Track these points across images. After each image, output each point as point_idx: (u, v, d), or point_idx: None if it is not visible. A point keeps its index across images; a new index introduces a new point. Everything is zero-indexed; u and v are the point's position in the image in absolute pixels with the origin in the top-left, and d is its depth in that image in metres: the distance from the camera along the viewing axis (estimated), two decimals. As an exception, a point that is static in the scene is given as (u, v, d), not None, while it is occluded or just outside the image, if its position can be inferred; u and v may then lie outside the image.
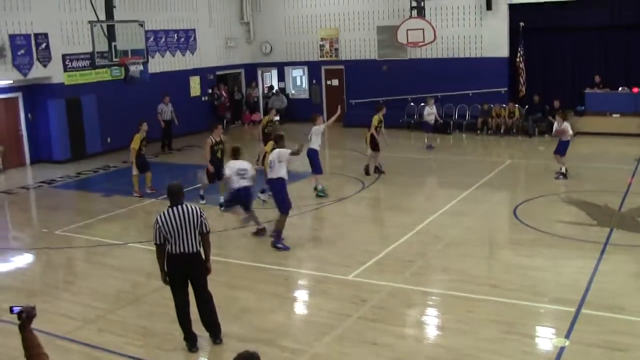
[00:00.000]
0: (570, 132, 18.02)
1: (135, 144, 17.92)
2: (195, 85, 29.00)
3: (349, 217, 15.86)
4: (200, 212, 8.90)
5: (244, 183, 13.61)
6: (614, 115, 24.04)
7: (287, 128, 24.46)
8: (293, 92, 32.02)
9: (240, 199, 13.76)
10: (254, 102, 31.83)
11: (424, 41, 25.26)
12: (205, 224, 8.86)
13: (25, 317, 5.09)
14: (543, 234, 13.37)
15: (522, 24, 25.28)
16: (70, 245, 14.42)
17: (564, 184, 17.44)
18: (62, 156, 23.52)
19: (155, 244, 8.82)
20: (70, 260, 13.70)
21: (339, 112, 18.75)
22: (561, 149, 17.93)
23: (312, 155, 17.09)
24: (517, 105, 25.31)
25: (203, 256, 8.99)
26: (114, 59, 21.48)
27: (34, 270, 13.39)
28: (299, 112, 28.96)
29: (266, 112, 30.23)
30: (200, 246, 8.87)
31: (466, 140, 25.31)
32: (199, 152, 19.96)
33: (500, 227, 14.63)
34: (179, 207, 8.78)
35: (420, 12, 25.89)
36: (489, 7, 25.75)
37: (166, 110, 25.26)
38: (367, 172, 19.17)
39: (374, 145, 18.96)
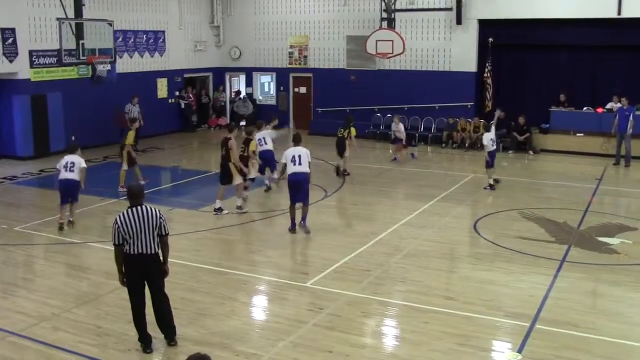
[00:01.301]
0: (484, 143, 18.72)
1: (130, 140, 18.25)
2: (162, 87, 28.87)
3: (309, 224, 15.88)
4: (160, 214, 8.90)
5: (68, 175, 14.77)
6: (578, 135, 24.32)
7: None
8: (261, 98, 31.98)
9: (60, 189, 14.94)
10: (221, 106, 31.76)
11: (392, 52, 25.36)
12: (164, 225, 8.86)
13: None
14: (501, 249, 13.51)
15: (491, 39, 25.50)
16: (30, 242, 14.30)
17: (524, 200, 17.61)
18: (25, 152, 23.29)
19: (114, 244, 8.78)
20: (29, 258, 13.57)
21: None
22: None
23: (270, 156, 18.02)
24: (482, 120, 25.53)
25: (161, 258, 8.98)
26: (82, 57, 21.35)
27: (-10, 266, 13.23)
28: (266, 118, 28.70)
29: (233, 117, 30.35)
30: (158, 248, 8.87)
31: (431, 153, 25.47)
32: (165, 154, 19.94)
33: (459, 241, 14.72)
34: (139, 208, 8.78)
35: (391, 23, 26.01)
36: (459, 21, 26.01)
37: (133, 111, 25.14)
38: (342, 173, 20.34)
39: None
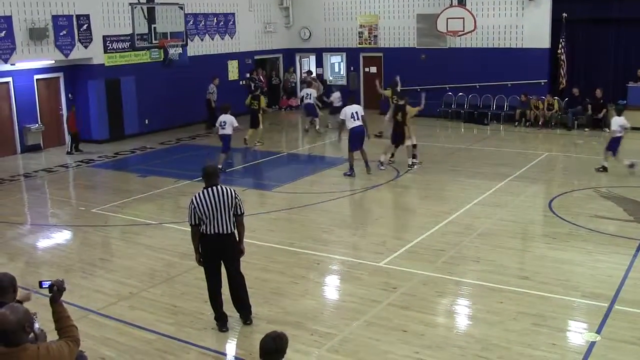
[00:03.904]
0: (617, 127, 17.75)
1: (263, 104, 22.78)
2: (233, 69, 29.08)
3: (382, 204, 15.89)
4: (235, 193, 8.96)
5: (224, 132, 18.57)
6: (657, 111, 23.54)
7: (324, 113, 24.52)
8: (331, 78, 31.95)
9: (223, 141, 18.64)
10: (291, 87, 31.84)
11: (463, 30, 25.08)
12: (239, 205, 8.92)
13: (57, 290, 5.21)
14: (578, 228, 13.22)
15: (564, 14, 24.91)
16: (107, 224, 14.62)
17: (600, 178, 17.20)
18: (100, 136, 23.79)
19: (190, 224, 8.89)
20: (106, 238, 13.90)
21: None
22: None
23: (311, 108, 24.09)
24: (556, 97, 24.99)
25: (237, 237, 9.07)
26: (154, 41, 21.66)
27: (70, 246, 13.58)
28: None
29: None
30: (234, 227, 8.94)
31: (503, 132, 25.07)
32: (235, 135, 19.99)
33: (534, 220, 14.46)
34: (215, 188, 8.86)
35: (461, 0, 25.68)
36: (531, -3, 25.49)
37: (215, 92, 25.40)
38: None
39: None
